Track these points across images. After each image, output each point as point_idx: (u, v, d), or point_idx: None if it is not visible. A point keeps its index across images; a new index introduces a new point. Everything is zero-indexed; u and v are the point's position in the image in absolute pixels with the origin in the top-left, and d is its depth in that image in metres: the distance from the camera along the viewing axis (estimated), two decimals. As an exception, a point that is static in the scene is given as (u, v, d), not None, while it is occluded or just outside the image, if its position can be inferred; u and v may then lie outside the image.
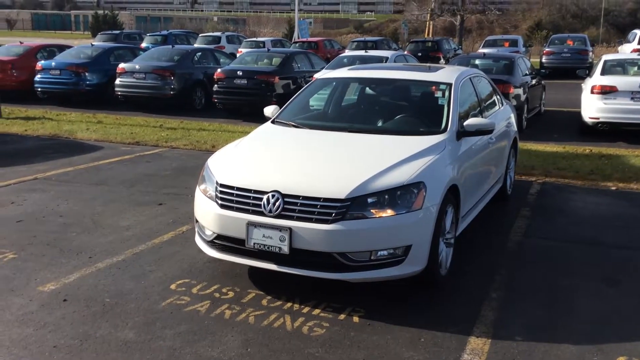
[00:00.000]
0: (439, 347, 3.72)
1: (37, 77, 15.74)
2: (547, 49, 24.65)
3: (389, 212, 4.16)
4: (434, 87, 5.65)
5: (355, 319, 4.08)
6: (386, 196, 4.21)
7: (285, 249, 4.14)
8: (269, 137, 5.36)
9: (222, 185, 4.48)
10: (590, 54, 24.32)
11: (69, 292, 4.41)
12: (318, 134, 5.26)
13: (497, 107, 6.79)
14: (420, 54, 24.18)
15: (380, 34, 54.88)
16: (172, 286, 4.54)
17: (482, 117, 5.93)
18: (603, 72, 11.73)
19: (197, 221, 4.72)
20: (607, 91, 11.09)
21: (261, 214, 4.22)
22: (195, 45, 19.47)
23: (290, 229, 4.11)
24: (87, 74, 15.48)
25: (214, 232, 4.48)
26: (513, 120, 7.29)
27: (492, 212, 6.69)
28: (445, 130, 5.10)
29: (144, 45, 26.12)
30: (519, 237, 5.90)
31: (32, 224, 5.98)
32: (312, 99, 6.25)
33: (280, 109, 5.86)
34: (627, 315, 4.24)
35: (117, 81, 14.92)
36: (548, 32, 45.09)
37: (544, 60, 24.34)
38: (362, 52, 14.59)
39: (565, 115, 14.63)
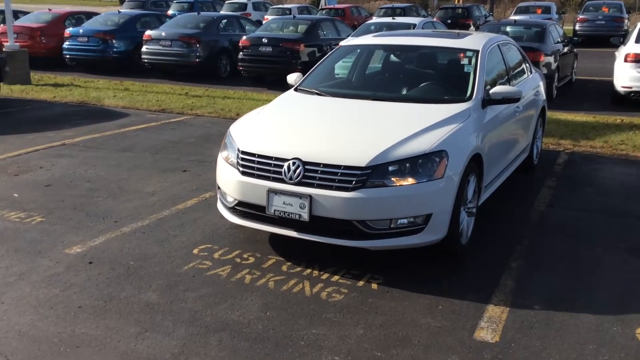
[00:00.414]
0: (456, 315, 3.74)
1: (66, 45, 15.88)
2: (580, 16, 23.99)
3: (410, 181, 4.14)
4: (461, 54, 5.55)
5: (374, 286, 4.11)
6: (407, 164, 4.18)
7: (305, 216, 4.16)
8: (291, 104, 5.35)
9: (243, 152, 4.50)
10: (626, 21, 23.63)
11: (95, 255, 4.52)
12: (341, 101, 5.23)
13: (525, 75, 6.66)
14: (449, 21, 23.74)
15: (409, 1, 53.92)
16: (195, 251, 4.61)
17: (509, 85, 5.83)
18: (638, 40, 11.38)
19: (219, 188, 4.76)
20: (641, 59, 10.78)
21: (282, 181, 4.24)
22: (221, 13, 19.35)
23: (310, 196, 4.12)
24: (114, 41, 15.58)
25: (235, 199, 4.52)
26: (542, 88, 7.15)
27: (517, 181, 6.62)
28: (470, 98, 5.03)
29: (170, 12, 26.08)
30: (543, 207, 5.84)
31: (60, 189, 6.10)
32: (338, 66, 6.20)
33: (303, 76, 5.83)
34: (650, 286, 4.19)
35: (144, 48, 14.99)
36: (583, -1, 43.80)
37: (577, 27, 23.72)
38: (389, 19, 14.36)
39: (598, 84, 14.30)
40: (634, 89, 10.87)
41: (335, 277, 4.22)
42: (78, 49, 15.77)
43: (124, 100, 11.53)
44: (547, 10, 24.59)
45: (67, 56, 15.99)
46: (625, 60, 10.98)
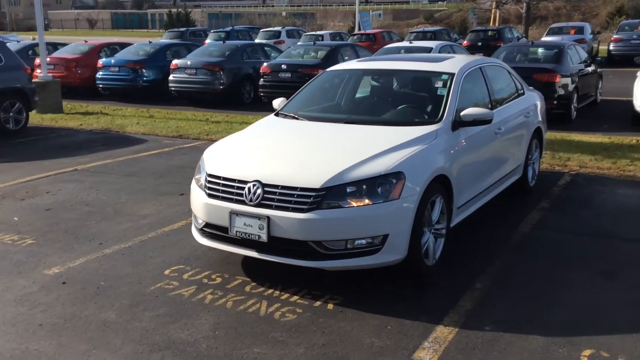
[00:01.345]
0: (402, 335, 3.76)
1: (98, 74, 16.53)
2: (615, 36, 23.55)
3: (366, 202, 4.21)
4: (436, 78, 5.60)
5: (330, 306, 4.17)
6: (364, 186, 4.26)
7: (264, 237, 4.27)
8: (266, 129, 5.51)
9: (210, 175, 4.66)
10: (662, 40, 23.07)
11: (70, 275, 4.72)
12: (314, 125, 5.36)
13: (513, 97, 6.64)
14: (480, 44, 23.71)
15: (447, 24, 53.88)
16: (166, 271, 4.77)
17: (491, 107, 5.84)
18: (657, 59, 11.16)
19: (192, 210, 4.93)
20: (659, 79, 10.55)
21: (243, 202, 4.38)
22: (246, 41, 19.84)
23: (268, 217, 4.24)
24: (144, 70, 16.13)
25: (203, 221, 4.67)
26: (536, 109, 7.10)
27: (509, 203, 6.58)
28: (440, 120, 5.08)
29: (207, 41, 26.84)
30: (528, 229, 5.79)
31: (59, 212, 6.39)
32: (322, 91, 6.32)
33: (286, 101, 5.99)
34: (613, 309, 4.12)
35: (171, 77, 15.48)
36: (628, 19, 42.96)
37: (611, 47, 23.30)
38: (406, 43, 14.48)
39: (624, 104, 13.99)
40: (652, 109, 10.63)
41: (295, 297, 4.30)
42: (110, 79, 16.40)
43: (146, 127, 11.93)
44: (580, 30, 24.26)
45: (100, 85, 16.62)
46: (644, 80, 10.76)
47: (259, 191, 4.33)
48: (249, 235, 4.34)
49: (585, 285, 4.51)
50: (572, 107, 11.77)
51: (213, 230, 4.62)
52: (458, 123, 5.12)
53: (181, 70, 15.33)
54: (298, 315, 4.04)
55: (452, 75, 5.53)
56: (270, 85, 14.11)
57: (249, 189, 4.37)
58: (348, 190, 4.24)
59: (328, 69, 6.40)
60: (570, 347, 3.60)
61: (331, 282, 4.52)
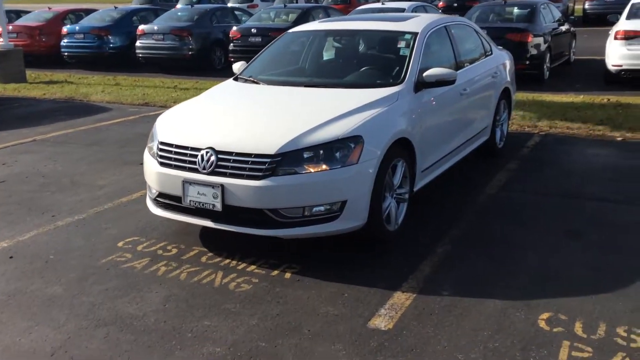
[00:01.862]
0: (359, 302, 3.66)
1: (63, 42, 16.05)
2: (590, -5, 23.38)
3: (323, 167, 4.06)
4: (399, 38, 5.41)
5: (288, 275, 4.05)
6: (321, 151, 4.10)
7: (219, 205, 4.11)
8: (223, 94, 5.30)
9: (162, 143, 4.47)
10: (638, -2, 22.88)
11: (19, 249, 4.54)
12: (273, 89, 5.16)
13: (482, 57, 6.49)
14: (455, 4, 23.35)
15: (425, -14, 53.01)
16: (120, 244, 4.61)
17: (456, 67, 5.68)
18: (629, 17, 11.04)
19: (145, 180, 4.75)
20: (630, 36, 10.45)
21: (196, 171, 4.20)
22: (215, 5, 19.33)
23: (222, 186, 4.07)
24: (109, 37, 15.69)
25: (156, 190, 4.50)
26: (505, 70, 6.95)
27: (477, 165, 6.48)
28: (402, 81, 4.91)
29: (178, 6, 26.13)
30: (495, 191, 5.70)
31: (13, 185, 6.16)
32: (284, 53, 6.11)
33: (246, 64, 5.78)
34: (575, 270, 4.05)
35: (137, 43, 15.06)
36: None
37: (586, 6, 23.12)
38: (378, 4, 14.18)
39: (598, 63, 13.89)
40: (624, 67, 10.55)
41: (252, 267, 4.17)
42: (75, 46, 15.93)
43: (111, 95, 11.61)
44: (556, -11, 23.95)
45: (65, 53, 16.15)
46: (615, 38, 10.65)
47: (212, 158, 4.15)
48: (203, 205, 4.18)
49: (549, 247, 4.44)
50: (545, 67, 11.65)
51: (167, 200, 4.44)
52: (421, 84, 4.96)
53: (148, 36, 14.91)
54: (254, 285, 3.91)
55: (415, 34, 5.34)
56: (241, 50, 13.77)
57: (202, 156, 4.19)
58: (305, 155, 4.08)
59: (289, 31, 6.16)
60: (528, 311, 3.52)
61: (290, 250, 4.39)
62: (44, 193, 5.86)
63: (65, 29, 16.07)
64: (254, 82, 5.39)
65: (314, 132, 4.17)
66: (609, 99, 9.66)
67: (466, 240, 4.59)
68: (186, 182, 4.22)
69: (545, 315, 3.47)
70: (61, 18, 17.31)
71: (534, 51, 11.16)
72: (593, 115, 8.55)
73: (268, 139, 4.13)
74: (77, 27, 15.95)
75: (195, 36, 14.56)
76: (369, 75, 5.24)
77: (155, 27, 14.84)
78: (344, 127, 4.21)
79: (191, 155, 4.26)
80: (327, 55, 5.85)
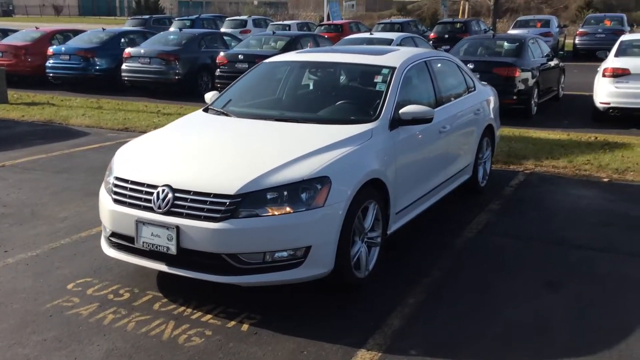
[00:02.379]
0: (317, 362, 3.36)
1: (48, 63, 15.80)
2: (580, 30, 23.44)
3: (287, 210, 3.79)
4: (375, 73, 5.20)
5: (245, 327, 3.75)
6: (285, 192, 3.83)
7: (173, 248, 3.83)
8: (187, 126, 5.05)
9: (117, 179, 4.20)
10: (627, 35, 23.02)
11: (-40, 289, 4.23)
12: (242, 123, 4.91)
13: (463, 93, 6.28)
14: (447, 36, 23.39)
15: (419, 16, 53.60)
16: (70, 285, 4.30)
17: (436, 104, 5.46)
18: (617, 54, 10.94)
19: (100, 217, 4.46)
20: (619, 74, 10.33)
21: (151, 210, 3.92)
22: (203, 30, 19.22)
23: (177, 227, 3.79)
24: (95, 59, 15.46)
25: (110, 229, 4.21)
26: (488, 106, 6.75)
27: (456, 205, 6.23)
28: (377, 118, 4.67)
29: (172, 29, 26.06)
30: (473, 234, 5.44)
31: (-29, 214, 5.85)
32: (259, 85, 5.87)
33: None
34: (554, 324, 3.78)
35: (123, 66, 14.84)
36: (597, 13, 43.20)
37: (577, 41, 23.17)
38: (367, 35, 14.05)
39: (587, 99, 13.76)
40: (612, 105, 10.41)
41: (207, 317, 3.87)
42: (60, 67, 15.68)
43: (92, 119, 11.33)
44: (546, 24, 24.07)
45: (50, 74, 15.90)
46: (604, 75, 10.53)
47: (169, 197, 3.88)
48: (156, 247, 3.89)
49: (527, 297, 4.18)
50: (533, 102, 11.50)
51: (120, 240, 4.15)
52: (397, 121, 4.72)
53: (134, 59, 14.69)
54: (206, 339, 3.61)
55: (392, 69, 5.12)
56: (227, 76, 13.53)
57: (158, 194, 3.91)
58: (267, 196, 3.81)
59: (265, 60, 5.93)
60: (501, 376, 3.24)
61: (252, 297, 4.10)
62: (1, 225, 5.55)
63: (51, 50, 15.84)
64: (224, 114, 5.14)
65: (278, 171, 3.91)
66: (596, 137, 9.48)
67: (440, 289, 4.31)
68: (140, 222, 3.93)
69: (518, 382, 3.18)
70: (48, 38, 17.08)
71: (521, 86, 11.01)
72: (580, 154, 8.35)
73: (229, 178, 3.87)
74: (62, 48, 15.72)
75: (182, 61, 14.37)
76: (343, 110, 5.01)
77: (142, 51, 14.64)
78: (311, 166, 3.95)
79: (147, 193, 3.98)
80: (302, 88, 5.62)
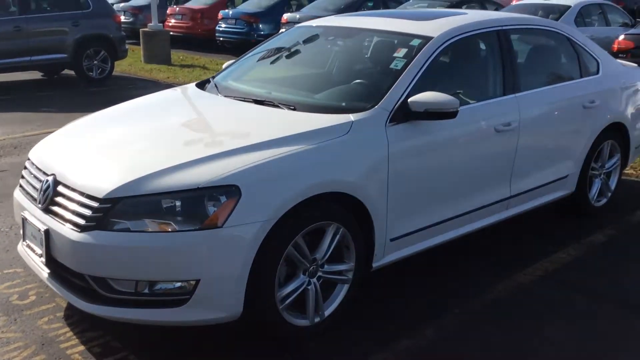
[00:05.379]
0: None
1: (218, 27, 16.02)
2: None
3: (169, 227, 2.75)
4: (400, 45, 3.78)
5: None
6: (171, 202, 2.78)
7: (44, 257, 3.01)
8: (147, 104, 4.11)
9: (28, 159, 3.48)
10: None
11: None
12: (213, 104, 3.85)
13: (568, 78, 4.53)
14: None
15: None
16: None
17: (502, 93, 3.91)
18: None
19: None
20: None
21: (36, 202, 3.14)
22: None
23: (47, 231, 2.96)
24: (259, 24, 15.30)
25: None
26: (618, 97, 4.84)
27: (534, 228, 4.57)
28: (371, 107, 3.34)
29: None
30: (528, 281, 3.81)
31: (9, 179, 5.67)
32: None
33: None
34: None
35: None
36: None
37: None
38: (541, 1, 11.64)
39: None
40: None
41: (79, 348, 3.00)
42: (227, 31, 15.83)
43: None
44: None
45: (220, 38, 16.12)
46: None
47: (49, 189, 3.05)
48: (34, 251, 3.12)
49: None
50: None
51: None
52: (402, 113, 3.34)
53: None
54: (40, 382, 2.75)
55: (426, 40, 3.67)
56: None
57: (42, 184, 3.11)
58: (147, 206, 2.79)
59: (297, 25, 4.76)
60: None
61: (150, 334, 3.14)
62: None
63: (220, 13, 16.03)
64: (215, 89, 4.14)
65: (173, 172, 2.85)
66: None
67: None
68: (24, 219, 3.18)
69: None
70: (225, 2, 17.33)
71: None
72: None
73: (106, 177, 2.91)
74: (230, 12, 15.82)
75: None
76: (340, 94, 3.70)
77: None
78: (217, 170, 2.83)
79: (38, 180, 3.20)
80: (312, 61, 4.37)
